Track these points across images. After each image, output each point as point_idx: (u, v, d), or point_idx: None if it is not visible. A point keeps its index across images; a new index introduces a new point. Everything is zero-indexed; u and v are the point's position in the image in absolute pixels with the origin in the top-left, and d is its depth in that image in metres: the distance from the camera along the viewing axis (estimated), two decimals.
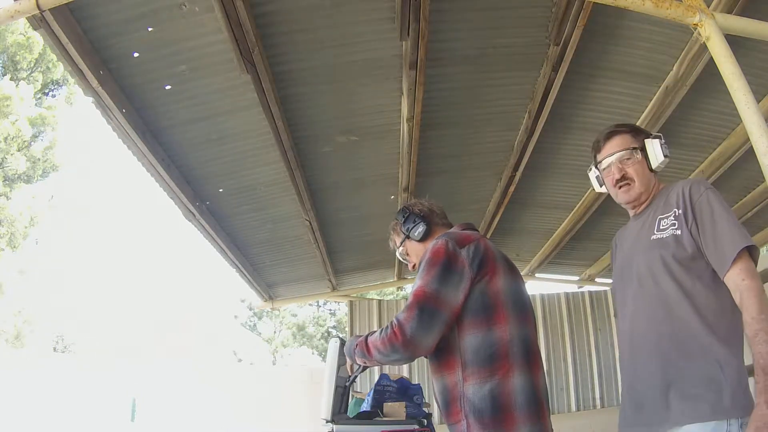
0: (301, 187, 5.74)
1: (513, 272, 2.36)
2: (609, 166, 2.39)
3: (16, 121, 16.75)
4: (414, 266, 2.63)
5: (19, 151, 17.10)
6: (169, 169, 5.02)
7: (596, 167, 2.50)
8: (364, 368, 2.45)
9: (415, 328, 2.08)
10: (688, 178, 2.49)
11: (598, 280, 10.01)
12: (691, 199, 2.14)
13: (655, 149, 2.35)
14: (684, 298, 2.06)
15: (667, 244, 2.13)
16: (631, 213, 2.45)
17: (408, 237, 2.61)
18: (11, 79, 17.10)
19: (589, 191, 6.55)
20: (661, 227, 2.18)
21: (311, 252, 7.64)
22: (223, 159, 5.28)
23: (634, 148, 2.36)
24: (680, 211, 2.15)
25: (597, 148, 2.47)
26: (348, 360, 2.43)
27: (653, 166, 2.36)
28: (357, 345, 2.29)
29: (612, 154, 2.38)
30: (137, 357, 21.70)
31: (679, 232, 2.12)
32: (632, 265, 2.28)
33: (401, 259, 2.76)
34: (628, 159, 2.35)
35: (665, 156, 2.33)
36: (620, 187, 2.36)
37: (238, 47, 3.80)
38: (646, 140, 2.38)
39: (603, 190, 2.54)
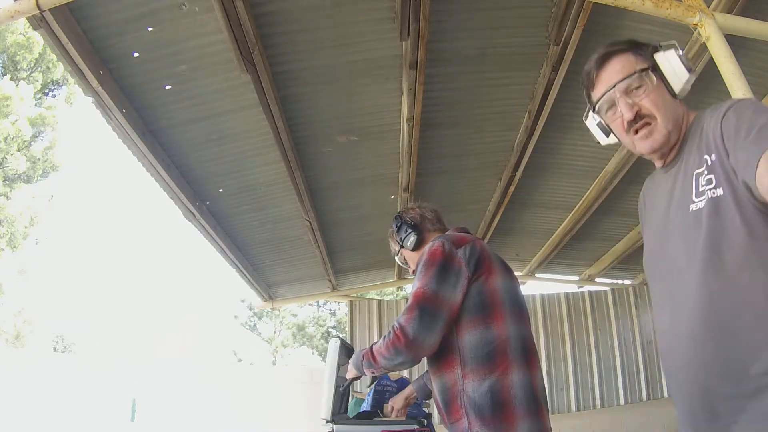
0: (301, 187, 5.75)
1: (508, 272, 2.37)
2: (613, 103, 1.65)
3: (16, 121, 16.78)
4: (414, 271, 2.65)
5: (19, 151, 17.13)
6: (169, 169, 5.02)
7: (594, 110, 1.74)
8: (358, 377, 2.46)
9: (417, 329, 2.09)
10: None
11: (598, 280, 10.02)
12: (721, 126, 1.45)
13: (673, 64, 1.62)
14: (746, 297, 1.38)
15: (711, 218, 1.43)
16: (658, 164, 1.71)
17: (402, 246, 2.65)
18: (11, 79, 17.12)
19: (589, 191, 6.55)
20: (700, 189, 1.48)
21: (311, 252, 7.64)
22: (223, 159, 5.28)
23: (643, 70, 1.62)
24: (714, 157, 1.45)
25: (589, 82, 1.71)
26: (356, 372, 2.43)
27: (677, 90, 1.62)
28: (363, 356, 2.30)
29: (613, 84, 1.62)
30: (137, 357, 21.73)
31: (720, 191, 1.42)
32: (665, 251, 1.63)
33: (400, 264, 2.79)
34: (638, 87, 1.61)
35: (689, 70, 1.61)
36: (636, 132, 1.62)
37: (238, 47, 3.80)
38: (655, 55, 1.64)
39: (611, 140, 1.79)
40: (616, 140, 1.75)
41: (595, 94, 1.69)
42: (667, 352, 1.63)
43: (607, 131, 1.75)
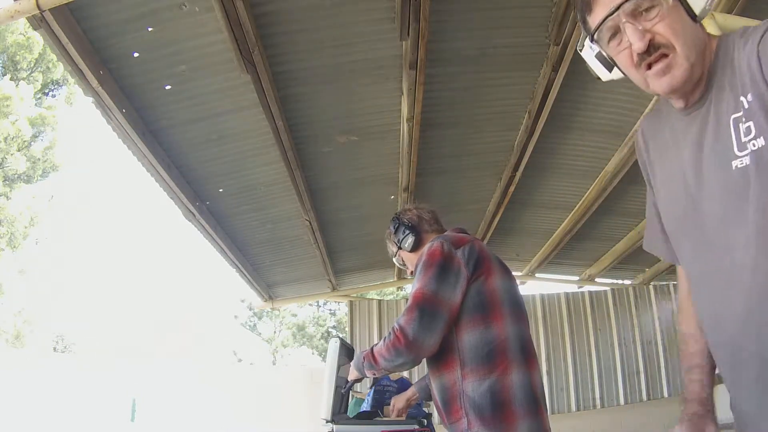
0: (301, 187, 5.75)
1: (507, 273, 2.37)
2: (617, 30, 1.27)
3: (16, 121, 16.81)
4: (412, 272, 2.65)
5: (19, 151, 17.16)
6: (169, 169, 5.02)
7: (592, 39, 1.34)
8: (360, 379, 2.46)
9: (417, 329, 2.09)
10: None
11: (598, 280, 10.02)
12: (758, 53, 1.14)
13: None
14: None
15: (759, 176, 1.14)
16: (679, 104, 1.33)
17: (400, 248, 2.64)
18: (11, 79, 17.15)
19: (589, 191, 6.55)
20: (742, 140, 1.17)
21: (311, 252, 7.64)
22: (223, 159, 5.28)
23: None
24: (751, 97, 1.15)
25: (584, 3, 1.32)
26: (357, 374, 2.43)
27: (697, 10, 1.24)
28: (364, 357, 2.30)
29: (617, 6, 1.23)
30: (137, 357, 21.71)
31: (761, 141, 1.13)
32: (701, 218, 1.30)
33: (398, 265, 2.78)
34: (649, 9, 1.22)
35: None
36: (650, 66, 1.24)
37: (238, 47, 3.80)
38: None
39: (614, 76, 1.40)
40: (622, 75, 1.37)
41: (593, 19, 1.30)
42: (715, 331, 1.36)
43: (610, 65, 1.37)
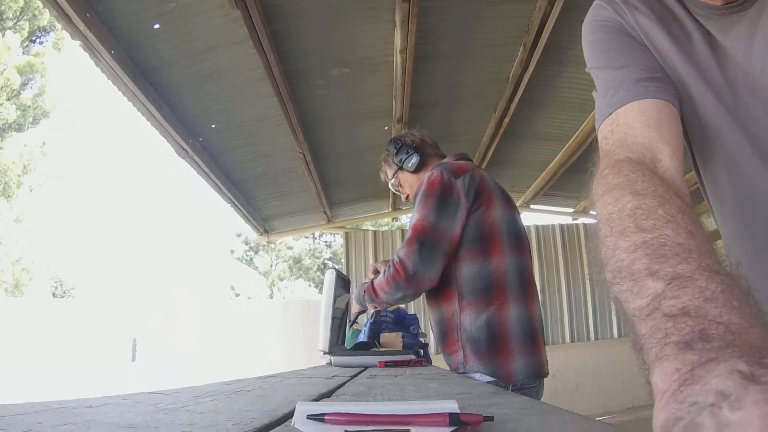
0: (294, 120, 5.70)
1: (508, 202, 2.36)
2: None
3: (4, 70, 16.60)
4: (407, 197, 2.63)
5: (8, 100, 17.01)
6: (161, 107, 4.96)
7: None
8: (363, 311, 2.49)
9: (417, 262, 2.10)
10: None
11: (592, 212, 10.04)
12: None
13: None
14: None
15: None
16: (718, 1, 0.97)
17: (401, 168, 2.59)
18: None
19: (584, 124, 6.51)
20: None
21: (306, 185, 7.65)
22: (216, 95, 5.22)
23: None
24: None
25: None
26: (358, 307, 2.46)
27: None
28: (364, 291, 2.32)
29: None
30: (136, 296, 21.90)
31: None
32: (747, 145, 1.03)
33: (394, 190, 2.75)
34: None
35: None
36: None
37: None
38: None
39: None
40: None
41: None
42: None
43: None
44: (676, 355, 0.46)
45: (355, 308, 2.51)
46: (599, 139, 1.09)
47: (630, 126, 1.02)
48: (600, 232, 0.76)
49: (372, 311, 2.54)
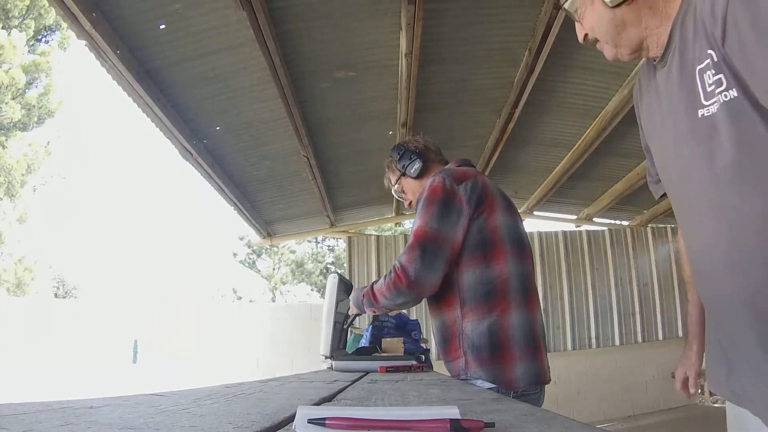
0: (299, 123, 5.71)
1: (510, 209, 2.36)
2: None
3: (10, 69, 16.64)
4: (410, 203, 2.64)
5: (13, 99, 17.03)
6: (165, 108, 4.97)
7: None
8: (359, 313, 2.49)
9: (418, 268, 2.10)
10: None
11: (596, 219, 10.06)
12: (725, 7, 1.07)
13: None
14: None
15: (728, 125, 1.13)
16: (653, 55, 1.40)
17: (404, 174, 2.59)
18: (3, 27, 16.83)
19: (589, 130, 6.52)
20: (708, 90, 1.16)
21: (309, 188, 7.65)
22: (220, 97, 5.22)
23: None
24: (717, 51, 1.12)
25: None
26: (356, 310, 2.46)
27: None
28: (364, 295, 2.32)
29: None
30: (138, 298, 21.92)
31: (733, 92, 1.11)
32: (680, 166, 1.35)
33: (397, 196, 2.75)
34: (581, 11, 1.45)
35: None
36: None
37: None
38: None
39: None
40: None
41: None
42: (702, 275, 1.40)
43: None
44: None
45: (352, 310, 2.50)
46: None
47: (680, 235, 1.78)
48: None
49: (370, 316, 2.53)
